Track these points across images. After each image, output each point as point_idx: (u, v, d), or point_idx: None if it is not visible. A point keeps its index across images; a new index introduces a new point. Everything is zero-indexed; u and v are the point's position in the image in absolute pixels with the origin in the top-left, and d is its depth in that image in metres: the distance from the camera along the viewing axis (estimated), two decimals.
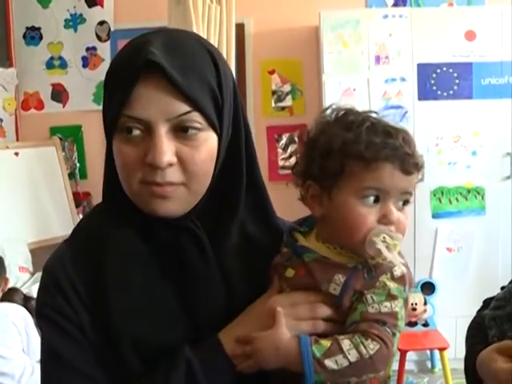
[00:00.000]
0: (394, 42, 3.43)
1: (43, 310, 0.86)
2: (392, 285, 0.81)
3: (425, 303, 3.38)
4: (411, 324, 3.31)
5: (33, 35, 4.05)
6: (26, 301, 2.74)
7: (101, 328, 0.84)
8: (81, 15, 4.00)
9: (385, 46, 3.44)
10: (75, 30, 4.02)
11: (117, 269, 0.85)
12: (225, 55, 3.30)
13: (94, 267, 0.85)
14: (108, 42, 3.98)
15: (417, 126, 3.39)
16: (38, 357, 0.93)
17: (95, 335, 0.84)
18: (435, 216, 3.48)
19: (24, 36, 4.05)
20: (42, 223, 3.67)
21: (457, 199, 3.47)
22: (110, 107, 0.81)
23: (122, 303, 0.83)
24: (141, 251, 0.86)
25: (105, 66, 3.88)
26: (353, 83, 3.45)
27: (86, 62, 4.02)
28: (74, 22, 4.01)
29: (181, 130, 0.80)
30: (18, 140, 4.02)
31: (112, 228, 0.87)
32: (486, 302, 1.18)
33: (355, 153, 0.80)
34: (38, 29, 4.04)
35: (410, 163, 0.81)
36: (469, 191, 3.46)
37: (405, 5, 3.76)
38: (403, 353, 3.09)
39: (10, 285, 2.92)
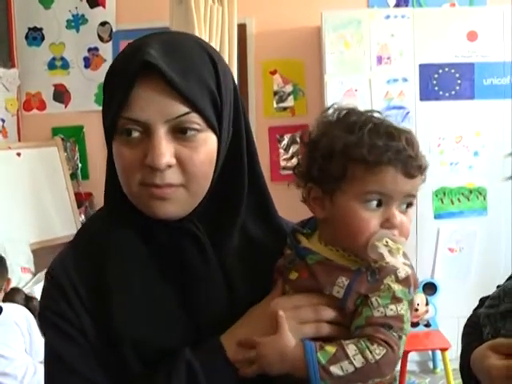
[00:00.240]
0: (396, 42, 3.43)
1: (46, 314, 0.87)
2: (397, 287, 0.80)
3: (427, 303, 3.38)
4: (413, 324, 3.30)
5: (35, 36, 4.05)
6: (27, 301, 2.75)
7: (102, 330, 0.84)
8: (83, 16, 4.00)
9: (387, 46, 3.44)
10: (77, 31, 4.02)
11: (118, 271, 0.85)
12: (226, 55, 3.31)
13: (96, 270, 0.85)
14: (110, 43, 3.99)
15: (419, 126, 3.38)
16: (41, 357, 0.94)
17: (97, 338, 0.84)
18: (437, 216, 3.48)
19: (26, 36, 4.06)
20: (43, 223, 3.67)
21: (459, 199, 3.47)
22: (109, 110, 0.81)
23: (123, 305, 0.84)
24: (142, 253, 0.86)
25: (107, 67, 3.82)
26: (355, 83, 3.45)
27: (87, 63, 4.02)
28: (76, 22, 4.01)
29: (180, 132, 0.80)
30: (19, 140, 4.02)
31: (113, 231, 0.87)
32: (482, 301, 1.19)
33: (358, 156, 0.79)
34: (40, 29, 4.05)
35: (413, 166, 0.80)
36: (471, 191, 3.46)
37: (407, 5, 3.75)
38: (405, 353, 3.09)
39: (12, 285, 2.92)
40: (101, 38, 4.00)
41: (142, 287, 0.85)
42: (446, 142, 3.44)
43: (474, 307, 1.24)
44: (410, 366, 3.38)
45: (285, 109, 3.90)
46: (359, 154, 0.79)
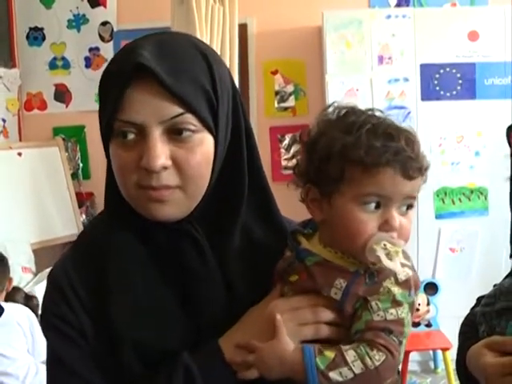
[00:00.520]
0: (397, 42, 3.43)
1: (47, 317, 0.88)
2: (396, 290, 0.78)
3: (428, 303, 3.38)
4: (414, 324, 3.30)
5: (36, 35, 4.05)
6: (27, 299, 2.75)
7: (103, 332, 0.84)
8: (84, 16, 4.00)
9: (388, 46, 3.44)
10: (78, 31, 4.02)
11: (118, 272, 0.85)
12: (227, 56, 3.30)
13: (96, 272, 0.85)
14: (111, 43, 3.98)
15: (420, 126, 3.38)
16: (43, 357, 0.95)
17: (97, 340, 0.84)
18: (438, 216, 3.48)
19: (27, 36, 4.06)
20: (44, 223, 3.67)
21: (460, 199, 3.47)
22: (105, 112, 0.81)
23: (124, 306, 0.84)
24: (142, 254, 0.86)
25: None
26: (356, 83, 3.45)
27: (88, 63, 4.02)
28: (77, 22, 4.01)
29: (175, 133, 0.80)
30: (20, 140, 4.02)
31: (113, 233, 0.87)
32: (479, 300, 1.20)
33: (355, 158, 0.77)
34: (41, 29, 4.05)
35: (412, 167, 0.78)
36: (472, 191, 3.46)
37: (408, 5, 3.75)
38: (406, 353, 3.08)
39: (14, 285, 2.92)
40: (102, 38, 4.00)
41: (142, 288, 0.85)
42: (447, 142, 3.44)
43: None
44: (411, 366, 3.38)
45: (286, 109, 3.90)
46: (357, 156, 0.77)
